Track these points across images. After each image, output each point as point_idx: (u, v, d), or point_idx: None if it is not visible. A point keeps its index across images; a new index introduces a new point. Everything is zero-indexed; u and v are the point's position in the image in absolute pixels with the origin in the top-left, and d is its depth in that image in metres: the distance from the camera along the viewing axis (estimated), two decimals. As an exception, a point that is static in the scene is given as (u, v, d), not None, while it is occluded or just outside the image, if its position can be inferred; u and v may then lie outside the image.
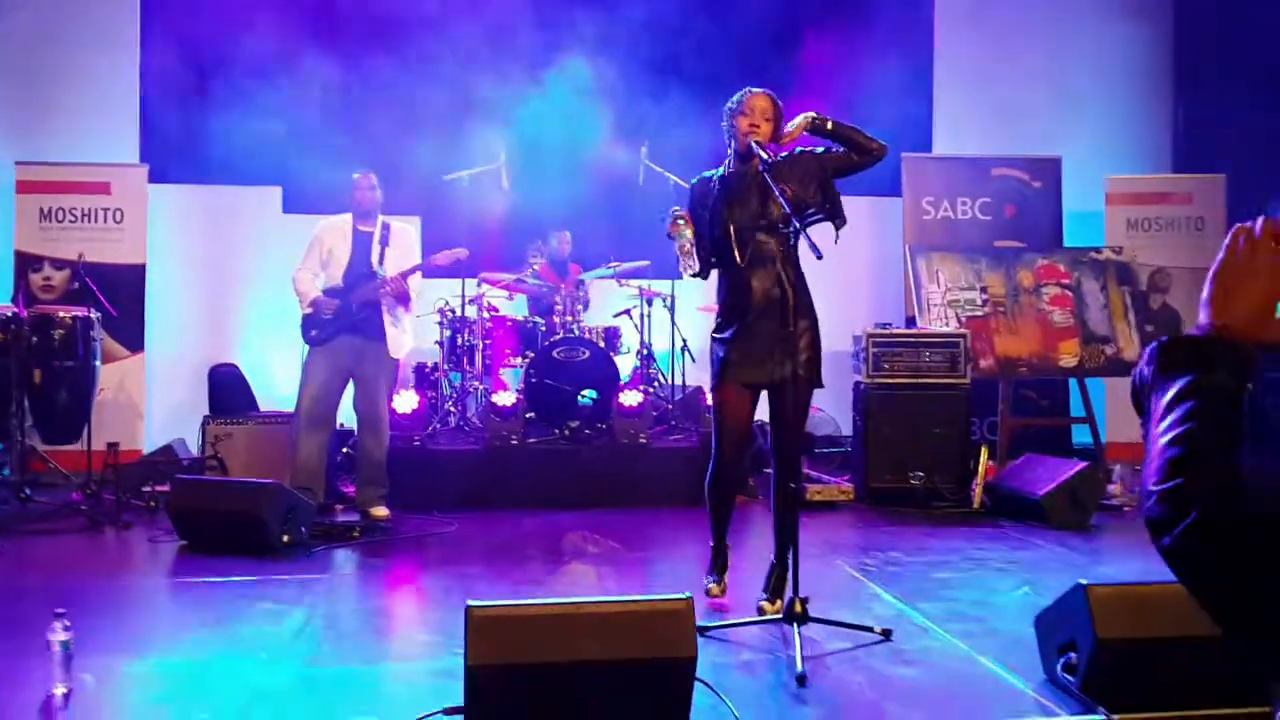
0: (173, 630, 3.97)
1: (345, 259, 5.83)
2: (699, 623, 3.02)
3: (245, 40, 7.58)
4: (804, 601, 3.58)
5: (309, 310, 5.82)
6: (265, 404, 7.45)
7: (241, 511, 5.03)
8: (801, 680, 3.24)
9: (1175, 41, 8.87)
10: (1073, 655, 3.06)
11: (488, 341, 7.07)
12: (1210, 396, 1.16)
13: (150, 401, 7.72)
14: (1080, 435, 7.61)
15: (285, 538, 5.01)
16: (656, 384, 7.45)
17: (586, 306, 7.46)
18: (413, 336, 6.11)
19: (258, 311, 7.88)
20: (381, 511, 5.81)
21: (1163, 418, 1.18)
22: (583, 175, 7.48)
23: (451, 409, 7.07)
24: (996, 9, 8.69)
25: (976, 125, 8.66)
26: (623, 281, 7.33)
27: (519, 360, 7.07)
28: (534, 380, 6.63)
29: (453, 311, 7.05)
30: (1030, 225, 8.21)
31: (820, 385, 4.07)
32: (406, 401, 6.47)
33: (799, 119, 3.99)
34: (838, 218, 3.96)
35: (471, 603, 2.76)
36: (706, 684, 2.95)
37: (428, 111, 7.72)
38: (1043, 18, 8.72)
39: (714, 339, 4.10)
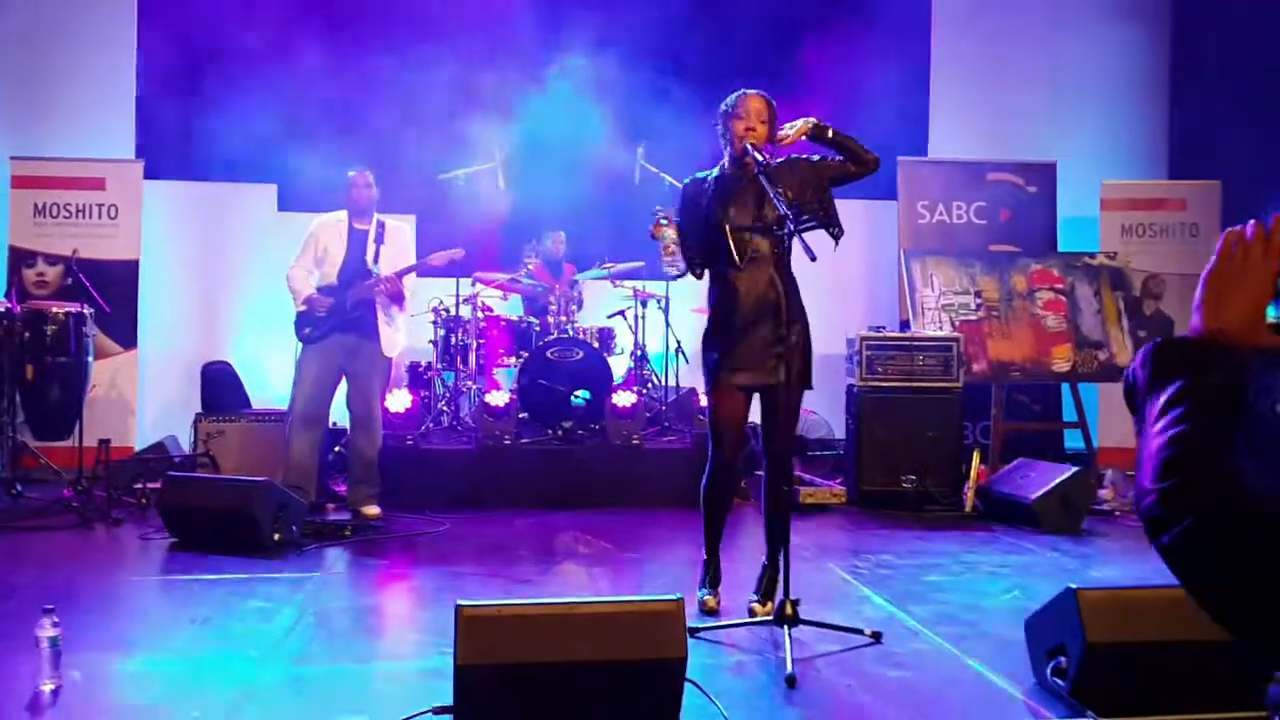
0: (163, 627, 3.96)
1: (340, 257, 5.82)
2: (689, 624, 3.02)
3: (241, 37, 7.58)
4: (795, 603, 3.58)
5: (303, 308, 5.81)
6: (258, 402, 7.44)
7: (233, 509, 5.02)
8: (791, 682, 3.24)
9: (1172, 47, 8.90)
10: (1062, 659, 3.06)
11: (481, 341, 7.07)
12: (1204, 399, 1.17)
13: (142, 398, 7.71)
14: (1072, 440, 7.63)
15: (276, 536, 5.00)
16: (650, 385, 7.45)
17: (580, 307, 7.47)
18: (405, 335, 6.11)
19: (251, 309, 7.87)
20: (373, 510, 5.80)
21: (1158, 419, 1.19)
22: (579, 175, 7.47)
23: (445, 408, 7.06)
24: (993, 13, 8.71)
25: (972, 129, 8.67)
26: (617, 282, 7.33)
27: (513, 360, 7.07)
28: (527, 380, 6.63)
29: (447, 311, 7.05)
30: (1025, 230, 8.23)
31: (810, 387, 4.07)
32: (400, 400, 6.47)
33: (799, 123, 3.98)
34: (834, 226, 3.96)
35: (461, 602, 2.75)
36: (697, 685, 2.95)
37: (424, 110, 7.72)
38: (1039, 22, 8.74)
39: (706, 341, 4.09)
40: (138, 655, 3.52)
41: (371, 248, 5.83)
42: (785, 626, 3.51)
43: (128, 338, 7.56)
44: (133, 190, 7.69)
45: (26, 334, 6.18)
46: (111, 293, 7.07)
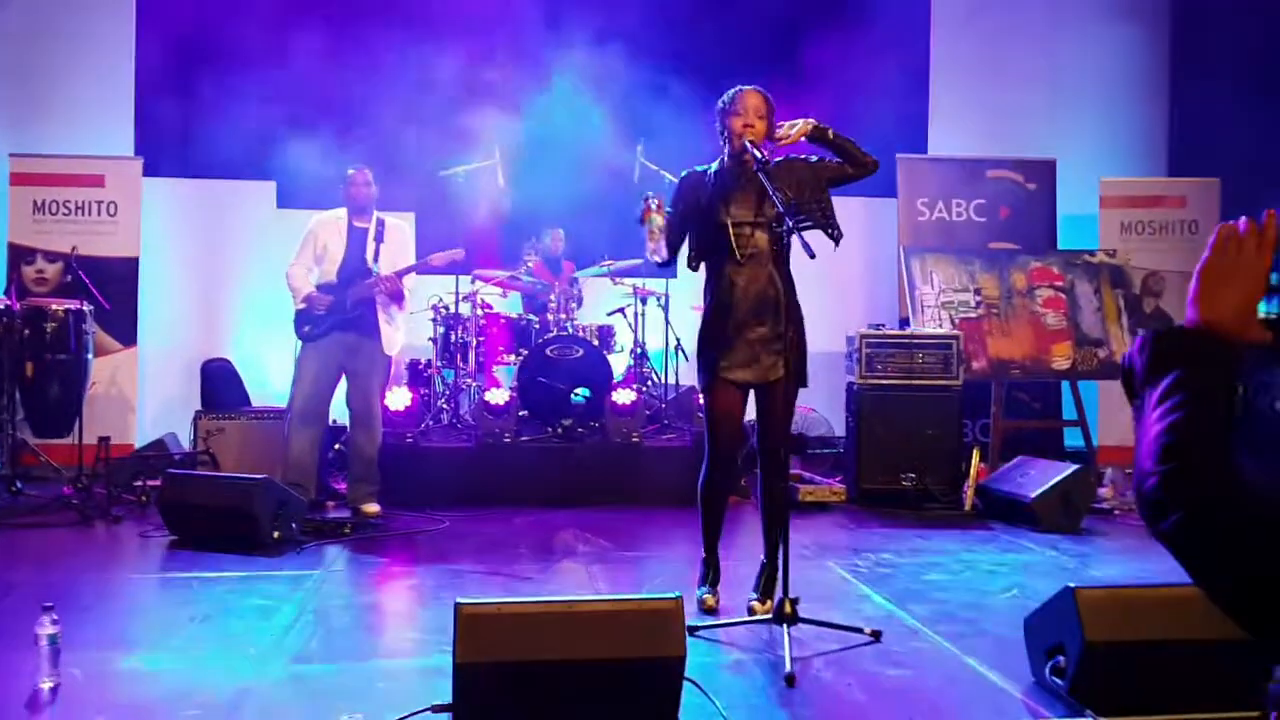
0: (162, 625, 3.96)
1: (340, 255, 5.82)
2: (688, 622, 3.02)
3: (240, 34, 7.57)
4: (794, 602, 3.58)
5: (302, 306, 5.81)
6: (258, 399, 7.43)
7: (233, 507, 5.02)
8: (790, 681, 3.24)
9: (1171, 45, 8.90)
10: (1061, 658, 3.06)
11: (481, 339, 7.06)
12: (1200, 391, 1.19)
13: (142, 395, 7.71)
14: (1072, 438, 7.63)
15: (276, 534, 5.01)
16: (650, 383, 7.45)
17: (580, 304, 7.47)
18: (405, 333, 6.10)
19: (251, 306, 7.87)
20: (373, 508, 5.80)
21: (1156, 406, 1.21)
22: (579, 173, 7.46)
23: (444, 406, 7.06)
24: (992, 11, 8.70)
25: (972, 127, 8.67)
26: (617, 280, 7.33)
27: (512, 358, 7.07)
28: (527, 378, 6.63)
29: (446, 308, 7.05)
30: (1024, 227, 8.23)
31: (805, 385, 4.07)
32: (399, 398, 6.47)
33: (799, 124, 3.97)
34: (833, 228, 3.96)
35: (461, 600, 2.75)
36: (695, 684, 2.95)
37: (423, 107, 7.71)
38: (1039, 21, 8.74)
39: (703, 337, 4.09)
40: (137, 653, 3.52)
41: (371, 246, 5.82)
42: (784, 625, 3.51)
43: (127, 335, 7.56)
44: (132, 187, 7.69)
45: (26, 331, 6.18)
46: (111, 290, 7.07)
